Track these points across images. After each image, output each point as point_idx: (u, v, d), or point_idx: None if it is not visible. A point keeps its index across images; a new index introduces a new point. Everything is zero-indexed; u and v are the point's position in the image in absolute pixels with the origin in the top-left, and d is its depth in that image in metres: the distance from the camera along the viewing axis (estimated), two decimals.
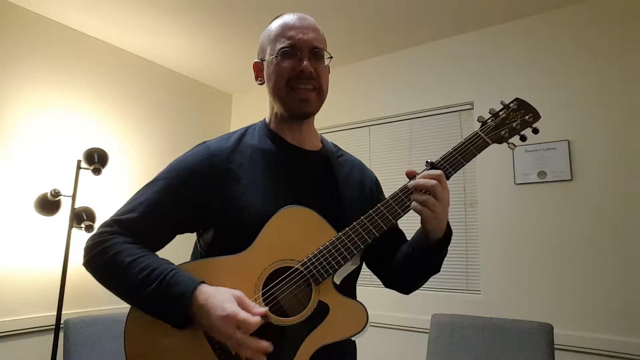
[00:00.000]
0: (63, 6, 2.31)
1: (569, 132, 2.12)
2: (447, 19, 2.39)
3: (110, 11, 2.36)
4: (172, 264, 0.81)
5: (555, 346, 1.64)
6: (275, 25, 0.93)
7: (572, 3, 2.21)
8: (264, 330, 0.73)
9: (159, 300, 0.74)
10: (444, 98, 2.54)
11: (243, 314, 0.70)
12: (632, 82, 2.01)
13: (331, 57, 0.93)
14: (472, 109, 2.43)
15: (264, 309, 0.74)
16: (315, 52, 0.90)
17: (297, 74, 0.87)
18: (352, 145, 2.86)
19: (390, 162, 2.70)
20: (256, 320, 0.70)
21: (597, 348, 1.90)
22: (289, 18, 0.92)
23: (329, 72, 0.98)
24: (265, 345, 0.71)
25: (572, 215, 2.06)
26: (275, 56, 0.89)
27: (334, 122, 2.95)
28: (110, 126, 2.67)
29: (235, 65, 2.99)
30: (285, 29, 0.90)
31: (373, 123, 2.83)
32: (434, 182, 0.78)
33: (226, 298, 0.72)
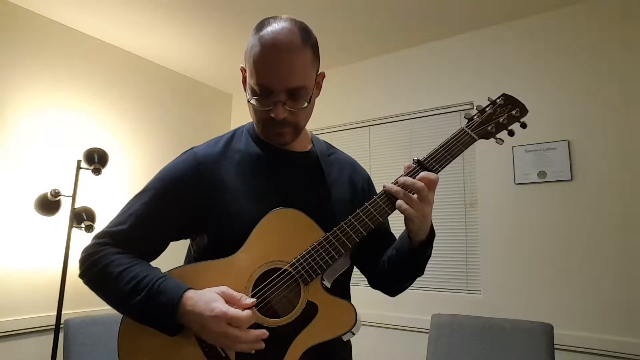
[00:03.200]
0: (63, 6, 2.31)
1: (569, 132, 2.12)
2: (447, 19, 2.39)
3: (110, 11, 2.36)
4: (161, 272, 0.81)
5: (555, 346, 1.64)
6: (256, 50, 0.79)
7: (572, 3, 2.21)
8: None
9: (148, 309, 0.75)
10: (444, 98, 2.54)
11: (232, 311, 0.70)
12: (632, 82, 2.01)
13: (308, 102, 0.84)
14: (472, 109, 2.43)
15: (252, 300, 0.74)
16: (292, 93, 0.80)
17: (269, 118, 0.82)
18: (352, 145, 2.87)
19: (390, 162, 2.70)
20: (247, 314, 0.71)
21: (597, 348, 1.90)
22: (268, 44, 0.78)
23: (322, 78, 0.91)
24: (261, 332, 0.72)
25: (572, 215, 2.06)
26: (250, 99, 0.83)
27: (334, 122, 2.96)
28: (110, 126, 2.67)
29: (235, 65, 2.99)
30: (259, 61, 0.79)
31: (373, 123, 2.83)
32: (421, 184, 0.78)
33: (212, 298, 0.72)
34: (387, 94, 2.78)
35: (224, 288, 0.75)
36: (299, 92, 0.81)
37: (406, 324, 2.39)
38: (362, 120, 2.85)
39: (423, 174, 0.80)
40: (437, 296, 2.34)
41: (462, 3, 2.24)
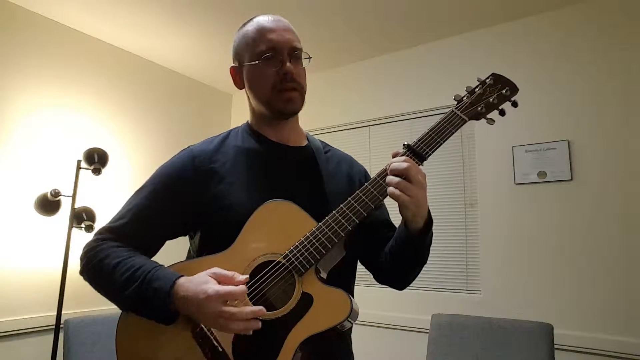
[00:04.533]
0: (63, 6, 2.31)
1: (569, 132, 2.12)
2: (447, 19, 2.39)
3: (111, 11, 2.36)
4: (157, 263, 0.81)
5: (555, 346, 1.64)
6: (251, 29, 0.92)
7: (572, 3, 2.21)
8: None
9: (142, 298, 0.75)
10: (443, 98, 2.53)
11: (224, 288, 0.71)
12: (632, 82, 2.01)
13: (310, 58, 0.94)
14: None
15: (245, 277, 0.74)
16: (296, 54, 0.90)
17: (281, 77, 0.88)
18: (352, 145, 2.86)
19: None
20: (240, 288, 0.71)
21: (597, 348, 1.90)
22: (264, 21, 0.92)
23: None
24: (257, 308, 0.72)
25: (572, 215, 2.06)
26: (258, 62, 0.89)
27: (335, 122, 2.96)
28: (110, 126, 2.67)
29: None
30: (263, 32, 0.90)
31: (373, 123, 2.83)
32: (405, 164, 0.79)
33: (203, 280, 0.73)
34: (387, 94, 2.78)
35: (214, 269, 0.75)
36: (299, 54, 0.91)
37: (406, 324, 2.38)
38: (362, 120, 2.85)
39: (404, 157, 0.82)
40: (437, 296, 2.34)
41: (462, 3, 2.24)
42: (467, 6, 2.26)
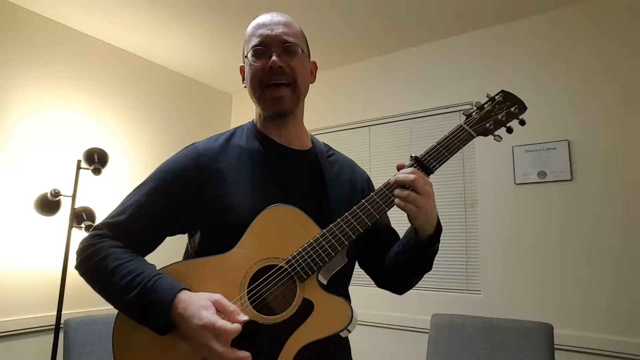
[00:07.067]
0: (63, 6, 2.31)
1: (569, 132, 2.12)
2: (447, 19, 2.39)
3: (111, 11, 2.36)
4: (156, 269, 0.80)
5: (555, 346, 1.64)
6: (250, 26, 0.94)
7: (572, 3, 2.21)
8: (248, 328, 0.72)
9: (141, 307, 0.74)
10: (444, 98, 2.54)
11: (220, 323, 0.68)
12: (632, 82, 2.01)
13: (303, 51, 0.92)
14: (472, 108, 2.42)
15: (245, 318, 0.72)
16: (287, 47, 0.89)
17: (268, 70, 0.87)
18: (352, 145, 2.87)
19: (390, 162, 2.69)
20: (235, 327, 0.69)
21: (597, 348, 1.90)
22: (261, 17, 0.93)
23: (315, 68, 0.99)
24: (245, 354, 0.69)
25: (572, 215, 2.06)
26: (246, 56, 0.91)
27: (334, 122, 2.95)
28: (110, 126, 2.67)
29: (235, 65, 2.99)
30: (256, 28, 0.91)
31: (373, 123, 2.83)
32: (412, 176, 0.78)
33: (203, 305, 0.71)
34: (387, 94, 2.78)
35: (218, 296, 0.73)
36: (292, 48, 0.89)
37: (406, 324, 2.39)
38: (362, 120, 2.85)
39: (411, 169, 0.81)
40: (437, 296, 2.34)
41: (462, 3, 2.24)
42: (467, 6, 2.26)
